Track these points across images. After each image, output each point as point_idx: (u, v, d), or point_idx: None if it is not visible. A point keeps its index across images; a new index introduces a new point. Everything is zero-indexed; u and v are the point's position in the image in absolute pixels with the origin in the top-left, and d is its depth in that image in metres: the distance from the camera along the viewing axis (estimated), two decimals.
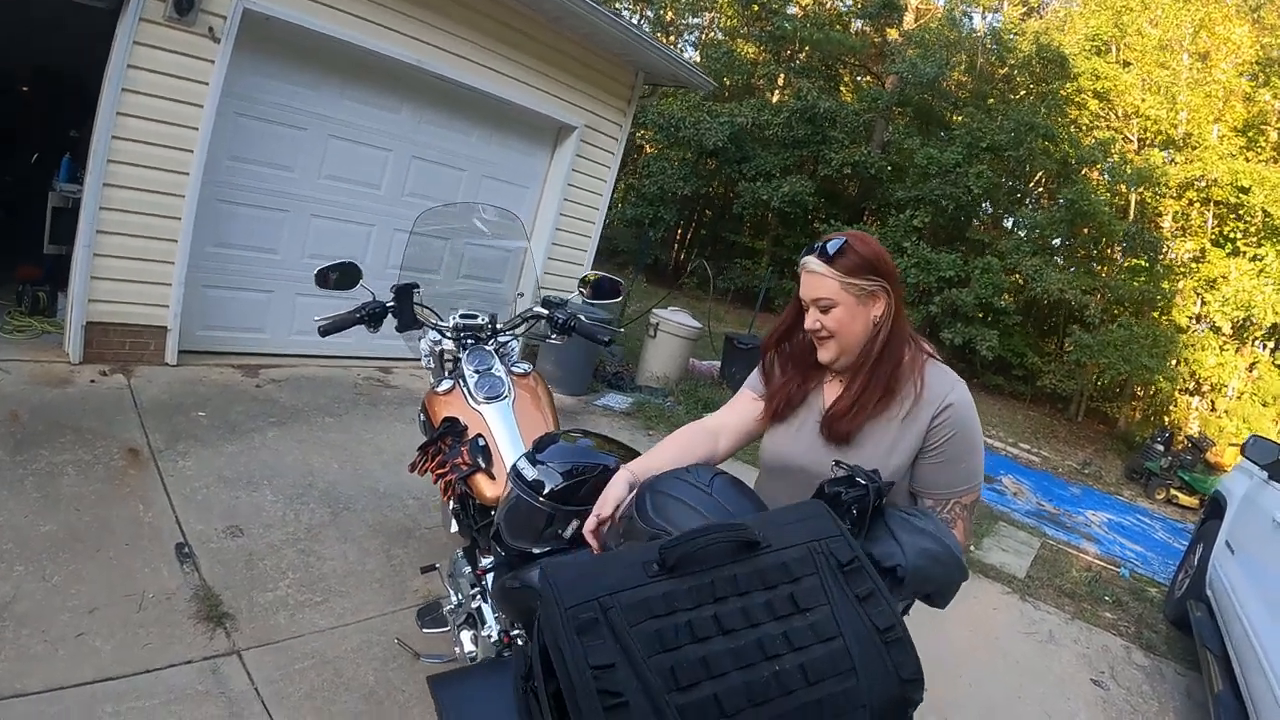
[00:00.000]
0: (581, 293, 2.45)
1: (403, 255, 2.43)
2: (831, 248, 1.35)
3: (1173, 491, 8.20)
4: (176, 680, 2.05)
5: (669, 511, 1.17)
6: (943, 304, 12.27)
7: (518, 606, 1.62)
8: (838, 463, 1.22)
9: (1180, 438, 10.19)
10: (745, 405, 1.59)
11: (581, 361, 5.82)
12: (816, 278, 1.36)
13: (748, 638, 0.89)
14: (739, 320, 10.93)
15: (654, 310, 6.83)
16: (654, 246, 15.27)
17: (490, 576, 1.95)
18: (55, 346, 3.88)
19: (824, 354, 1.43)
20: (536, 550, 1.66)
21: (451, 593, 2.21)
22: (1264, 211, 10.71)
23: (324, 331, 2.09)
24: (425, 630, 2.33)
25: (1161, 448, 8.98)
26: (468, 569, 2.08)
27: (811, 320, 1.40)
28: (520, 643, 1.74)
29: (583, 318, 2.29)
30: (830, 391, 1.49)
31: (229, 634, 2.29)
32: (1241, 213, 11.26)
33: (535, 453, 1.65)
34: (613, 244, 13.72)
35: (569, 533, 1.61)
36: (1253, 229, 11.20)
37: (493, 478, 1.91)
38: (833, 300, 1.36)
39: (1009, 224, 15.01)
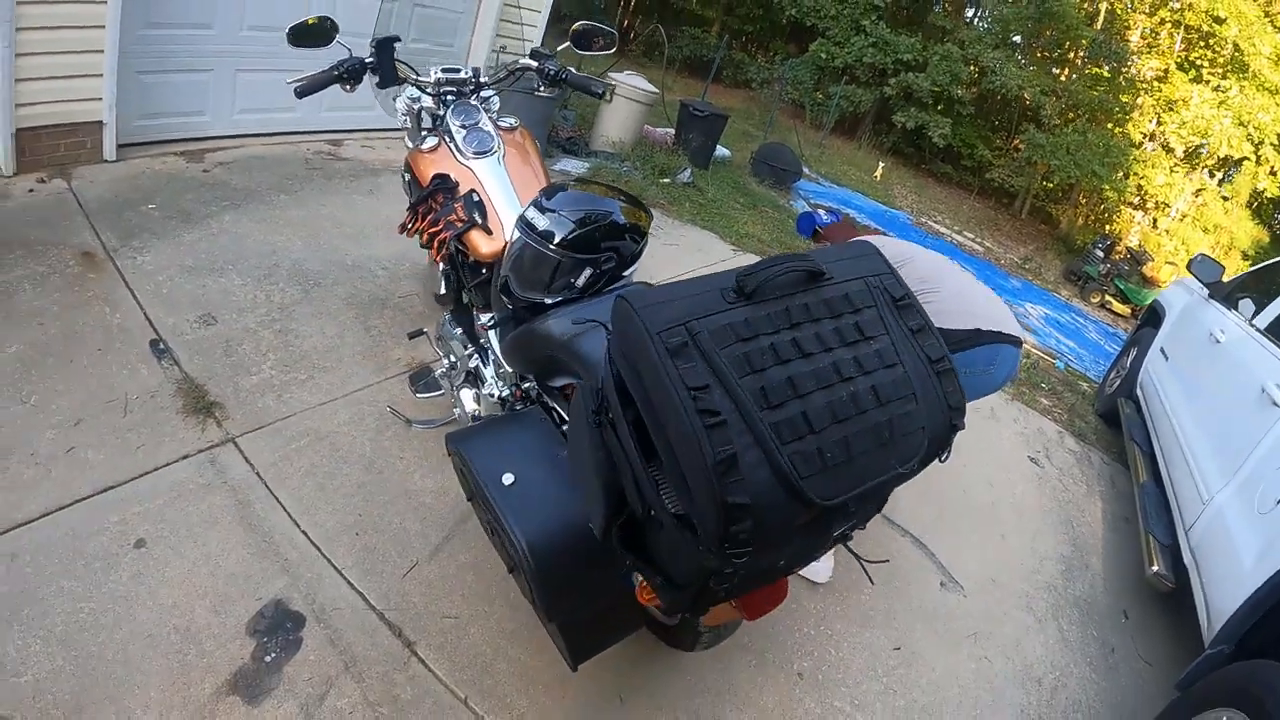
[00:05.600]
0: (573, 47, 2.29)
1: (375, 20, 2.16)
2: None
3: (1107, 297, 8.63)
4: (176, 477, 2.03)
5: None
6: (898, 86, 12.24)
7: (531, 357, 1.63)
8: None
9: (1120, 248, 10.58)
10: None
11: (535, 126, 5.48)
12: None
13: (824, 360, 0.94)
14: (689, 89, 10.29)
15: (609, 73, 6.42)
16: (599, 13, 13.92)
17: (493, 333, 1.95)
18: None
19: None
20: (549, 300, 1.66)
21: (443, 356, 2.24)
22: (1235, 46, 10.47)
23: (300, 92, 1.93)
24: (419, 395, 2.38)
25: (1101, 254, 9.34)
26: (458, 330, 2.13)
27: None
28: (534, 395, 1.76)
29: (572, 69, 2.21)
30: None
31: (219, 423, 2.26)
32: (1212, 42, 10.97)
33: (544, 201, 1.65)
34: (558, 10, 12.24)
35: (582, 281, 1.63)
36: (1220, 60, 10.96)
37: (489, 233, 1.88)
38: None
39: (970, 14, 14.53)
